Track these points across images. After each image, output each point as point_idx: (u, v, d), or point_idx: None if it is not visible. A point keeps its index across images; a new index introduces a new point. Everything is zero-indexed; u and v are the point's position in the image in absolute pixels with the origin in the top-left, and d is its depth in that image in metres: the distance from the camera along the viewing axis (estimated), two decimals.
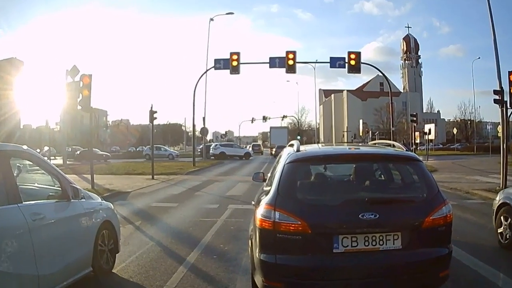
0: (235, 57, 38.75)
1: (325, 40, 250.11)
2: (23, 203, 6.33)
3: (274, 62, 38.66)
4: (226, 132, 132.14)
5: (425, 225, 6.25)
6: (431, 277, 6.26)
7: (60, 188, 7.68)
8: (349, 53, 37.52)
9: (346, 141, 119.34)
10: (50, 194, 7.56)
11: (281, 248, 6.16)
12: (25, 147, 7.21)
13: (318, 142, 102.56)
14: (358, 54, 37.58)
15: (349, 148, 8.71)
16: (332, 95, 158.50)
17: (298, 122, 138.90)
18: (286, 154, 7.27)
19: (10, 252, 5.76)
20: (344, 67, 37.78)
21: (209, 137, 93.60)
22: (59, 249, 6.99)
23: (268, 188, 7.02)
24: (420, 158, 7.35)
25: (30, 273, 6.10)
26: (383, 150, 8.04)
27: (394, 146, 8.47)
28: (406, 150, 7.63)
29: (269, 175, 8.30)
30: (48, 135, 54.80)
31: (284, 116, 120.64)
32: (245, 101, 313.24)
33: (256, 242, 6.56)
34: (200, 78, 47.63)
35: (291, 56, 37.69)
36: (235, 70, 38.83)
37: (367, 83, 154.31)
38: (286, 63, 37.62)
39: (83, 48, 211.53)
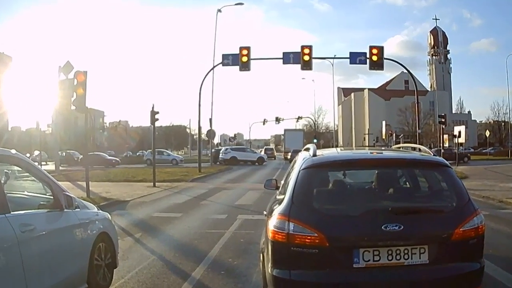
0: (245, 52, 38.92)
1: (344, 33, 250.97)
2: (12, 213, 6.25)
3: (288, 58, 38.78)
4: (235, 134, 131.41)
5: (455, 238, 6.10)
6: None
7: (52, 197, 7.59)
8: (371, 47, 37.62)
9: (367, 144, 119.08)
10: (41, 203, 7.44)
11: (296, 262, 6.06)
12: (13, 151, 7.11)
13: (336, 146, 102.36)
14: (380, 49, 37.69)
15: (370, 153, 8.44)
16: (352, 94, 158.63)
17: (314, 123, 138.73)
18: (302, 159, 7.17)
19: None
20: (365, 63, 37.91)
21: (216, 140, 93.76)
22: (51, 263, 6.89)
23: (281, 197, 6.93)
24: (449, 163, 7.26)
25: None
26: (408, 154, 8.05)
27: (420, 150, 8.38)
28: (434, 155, 7.50)
29: (282, 182, 8.26)
30: (39, 138, 54.83)
31: (299, 117, 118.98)
32: (256, 101, 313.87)
33: (268, 256, 6.46)
34: (206, 75, 47.90)
35: (306, 51, 37.84)
36: (245, 66, 39.00)
37: (391, 80, 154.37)
38: (301, 58, 37.76)
39: (78, 43, 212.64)
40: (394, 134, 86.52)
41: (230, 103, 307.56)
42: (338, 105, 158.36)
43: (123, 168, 57.03)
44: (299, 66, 38.23)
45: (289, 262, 6.10)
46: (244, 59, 38.79)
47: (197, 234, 14.57)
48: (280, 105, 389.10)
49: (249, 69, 39.22)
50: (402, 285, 6.04)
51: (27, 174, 7.54)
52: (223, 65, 40.70)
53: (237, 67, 39.28)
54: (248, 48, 39.00)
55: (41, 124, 54.23)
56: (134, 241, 13.59)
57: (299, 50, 37.98)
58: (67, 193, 7.82)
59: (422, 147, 8.49)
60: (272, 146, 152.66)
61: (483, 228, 6.28)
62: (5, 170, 7.73)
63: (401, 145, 11.94)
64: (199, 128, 51.97)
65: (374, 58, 37.14)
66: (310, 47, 38.21)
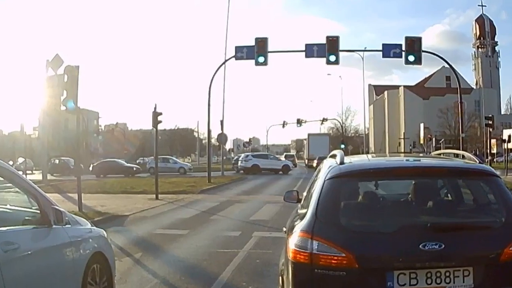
0: (262, 43, 38.93)
1: (376, 22, 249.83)
2: None
3: (311, 51, 38.83)
4: (250, 139, 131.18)
5: (504, 258, 5.85)
6: None
7: (38, 211, 7.50)
8: (407, 38, 37.61)
9: (403, 151, 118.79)
10: (26, 218, 7.38)
11: (320, 287, 5.96)
12: None
13: (367, 153, 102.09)
14: (418, 40, 37.75)
15: (406, 160, 8.39)
16: (385, 92, 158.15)
17: (341, 126, 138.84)
18: (327, 167, 7.10)
19: None
20: (401, 57, 38.00)
21: (228, 145, 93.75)
22: (38, 287, 6.86)
23: (303, 211, 6.82)
24: (498, 172, 7.15)
25: None
26: (450, 162, 8.04)
27: (464, 157, 8.29)
28: (479, 163, 7.39)
29: (304, 194, 8.14)
30: (24, 143, 55.08)
31: (324, 119, 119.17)
32: (274, 100, 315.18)
33: (288, 279, 6.34)
34: (217, 70, 47.79)
35: (333, 42, 37.79)
36: (261, 60, 38.94)
37: (430, 77, 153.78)
38: (326, 51, 37.66)
39: (68, 35, 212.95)
40: (433, 139, 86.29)
41: (245, 103, 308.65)
42: (369, 105, 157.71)
43: (121, 178, 57.21)
44: (324, 60, 38.33)
45: (312, 287, 6.01)
46: (261, 51, 38.90)
47: (206, 254, 14.57)
48: (302, 106, 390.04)
49: (266, 64, 39.43)
50: None
51: (10, 184, 7.45)
52: (236, 59, 40.92)
53: (253, 61, 39.50)
54: (265, 40, 39.18)
55: (26, 127, 54.37)
56: (133, 262, 13.59)
57: (324, 41, 38.01)
58: (56, 207, 7.70)
59: (466, 154, 8.37)
60: (293, 152, 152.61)
61: None
62: None
63: (442, 151, 11.97)
64: (209, 131, 51.74)
65: (411, 50, 37.09)
66: (336, 38, 38.31)
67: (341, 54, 38.68)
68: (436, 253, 5.77)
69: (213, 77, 47.24)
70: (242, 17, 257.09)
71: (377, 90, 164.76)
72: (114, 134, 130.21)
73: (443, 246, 5.78)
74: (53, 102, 23.82)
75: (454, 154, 9.16)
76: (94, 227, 9.32)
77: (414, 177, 7.39)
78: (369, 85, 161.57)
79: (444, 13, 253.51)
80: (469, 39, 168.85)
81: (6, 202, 8.50)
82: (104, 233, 9.51)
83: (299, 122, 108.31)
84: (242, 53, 40.24)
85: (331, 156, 7.98)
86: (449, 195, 8.05)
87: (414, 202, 7.47)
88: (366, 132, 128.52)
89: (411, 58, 37.73)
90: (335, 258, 5.85)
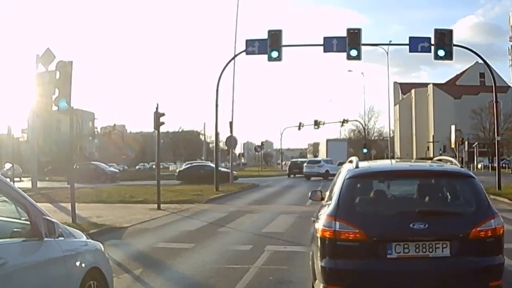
0: (275, 37, 38.91)
1: (402, 13, 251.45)
2: None
3: (330, 45, 38.82)
4: (262, 143, 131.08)
5: (472, 236, 8.96)
6: (481, 286, 9.01)
7: (28, 222, 7.52)
8: (437, 31, 37.54)
9: (432, 155, 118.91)
10: (15, 230, 7.39)
11: (341, 254, 9.04)
12: None
13: (392, 158, 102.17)
14: (449, 33, 37.63)
15: (409, 165, 12.94)
16: (413, 91, 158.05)
17: (364, 129, 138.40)
18: (346, 170, 10.40)
19: None
20: (430, 52, 38.00)
21: (238, 149, 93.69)
22: None
23: (328, 203, 10.06)
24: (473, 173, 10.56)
25: None
26: (438, 167, 11.66)
27: (452, 162, 11.45)
28: (461, 167, 10.91)
29: (327, 193, 11.32)
30: (12, 147, 54.97)
31: (345, 121, 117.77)
32: (289, 100, 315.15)
33: (317, 251, 9.47)
34: (226, 66, 47.30)
35: (354, 35, 37.76)
36: (275, 55, 38.97)
37: (462, 74, 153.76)
38: (347, 45, 37.61)
39: (62, 29, 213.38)
40: (466, 142, 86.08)
41: (256, 103, 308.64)
42: (395, 105, 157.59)
43: (118, 186, 57.05)
44: (344, 55, 38.33)
45: (335, 254, 9.06)
46: (274, 45, 38.88)
47: (213, 270, 14.57)
48: (320, 106, 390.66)
49: (280, 59, 39.50)
50: (427, 274, 8.88)
51: None
52: (247, 54, 40.96)
53: (265, 56, 39.61)
54: (278, 32, 39.23)
55: (13, 130, 54.31)
56: (133, 279, 13.63)
57: (344, 34, 37.99)
58: (48, 218, 7.70)
59: (453, 160, 11.54)
60: (310, 157, 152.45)
61: (500, 229, 9.15)
62: None
63: (439, 157, 15.23)
64: (216, 134, 50.65)
65: (441, 44, 37.01)
66: (358, 31, 38.29)
67: (363, 48, 38.55)
68: (422, 230, 8.90)
69: (221, 74, 46.67)
70: (254, 8, 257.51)
71: (403, 88, 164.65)
72: (111, 137, 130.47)
73: (427, 225, 8.93)
74: (43, 102, 23.80)
75: (445, 160, 12.33)
76: (90, 240, 9.40)
77: (409, 178, 11.27)
78: (395, 82, 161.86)
79: (478, 3, 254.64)
80: (505, 32, 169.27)
81: None
82: (101, 246, 9.54)
83: (316, 124, 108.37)
84: (254, 47, 40.10)
85: (349, 162, 11.23)
86: (442, 192, 11.04)
87: (412, 197, 11.14)
88: (391, 135, 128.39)
89: (441, 52, 37.71)
90: (351, 234, 8.97)
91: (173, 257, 16.55)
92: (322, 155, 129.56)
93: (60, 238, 7.98)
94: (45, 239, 7.53)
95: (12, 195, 7.51)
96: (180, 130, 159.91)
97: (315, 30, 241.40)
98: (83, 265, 8.36)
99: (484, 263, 8.89)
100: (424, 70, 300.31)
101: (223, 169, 68.86)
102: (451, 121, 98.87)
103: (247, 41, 40.67)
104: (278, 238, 19.91)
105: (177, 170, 71.51)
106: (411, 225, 8.88)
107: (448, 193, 10.73)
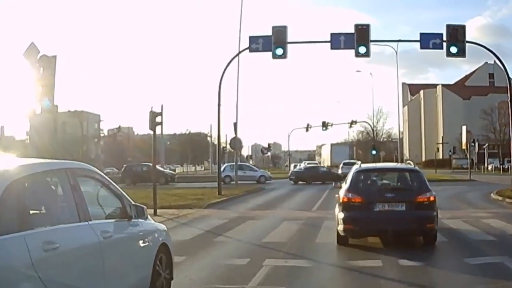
0: (280, 33, 38.38)
1: (410, 14, 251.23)
2: (92, 221, 8.43)
3: (337, 41, 38.08)
4: (269, 144, 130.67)
5: (417, 201, 17.74)
6: (421, 226, 17.50)
7: (118, 207, 9.88)
8: (449, 27, 36.59)
9: (441, 157, 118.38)
10: (111, 212, 9.69)
11: (350, 209, 17.72)
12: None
13: (401, 160, 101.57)
14: (461, 29, 37.15)
15: (393, 165, 28.53)
16: (421, 92, 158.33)
17: (372, 130, 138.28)
18: (354, 168, 19.83)
19: (84, 270, 7.86)
20: (441, 48, 37.58)
21: (245, 151, 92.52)
22: (124, 269, 9.34)
23: (344, 185, 19.06)
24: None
25: None
26: (403, 166, 27.69)
27: (411, 164, 30.98)
28: (414, 166, 23.33)
29: (344, 182, 19.86)
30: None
31: (353, 122, 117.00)
32: (296, 101, 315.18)
33: (339, 207, 18.27)
34: (229, 64, 45.65)
35: (363, 31, 36.97)
36: (280, 52, 38.36)
37: (471, 74, 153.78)
38: (355, 42, 36.38)
39: (70, 32, 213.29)
40: (476, 143, 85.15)
41: (264, 104, 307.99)
42: (403, 106, 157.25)
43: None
44: (352, 53, 37.75)
45: (347, 209, 17.76)
46: (279, 42, 38.25)
47: None
48: (327, 106, 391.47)
49: (285, 57, 38.86)
50: (394, 219, 17.51)
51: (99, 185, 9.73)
52: (250, 51, 40.38)
53: (270, 54, 38.89)
54: (283, 28, 38.68)
55: (5, 130, 53.10)
56: None
57: (352, 31, 36.92)
58: (138, 204, 10.43)
59: (410, 162, 23.29)
60: (318, 159, 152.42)
61: (433, 198, 17.86)
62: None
63: (406, 161, 31.27)
64: (219, 135, 49.70)
65: (454, 40, 35.84)
66: (367, 27, 37.72)
67: (371, 50, 37.97)
68: (392, 197, 17.92)
69: (223, 72, 45.04)
70: (258, 11, 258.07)
71: (412, 89, 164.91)
72: (118, 139, 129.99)
73: (394, 195, 18.11)
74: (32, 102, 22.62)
75: (407, 162, 30.09)
76: (156, 222, 12.01)
77: (388, 172, 22.07)
78: (403, 83, 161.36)
79: (485, 5, 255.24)
80: None
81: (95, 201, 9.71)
82: (166, 228, 12.05)
83: (324, 125, 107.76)
84: (258, 44, 39.31)
85: (356, 164, 23.16)
86: (402, 179, 20.40)
87: (390, 182, 20.51)
88: (401, 136, 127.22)
89: (454, 49, 36.96)
90: (357, 199, 17.90)
91: None
92: (325, 158, 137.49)
93: (140, 220, 10.41)
94: (132, 220, 10.05)
95: (111, 187, 9.93)
96: (187, 132, 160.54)
97: (322, 30, 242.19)
98: (157, 240, 10.99)
99: (423, 214, 17.54)
100: (432, 71, 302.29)
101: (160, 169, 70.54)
102: (460, 122, 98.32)
103: (250, 38, 39.99)
104: (279, 250, 18.34)
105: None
106: (386, 194, 18.17)
107: (408, 179, 19.89)
